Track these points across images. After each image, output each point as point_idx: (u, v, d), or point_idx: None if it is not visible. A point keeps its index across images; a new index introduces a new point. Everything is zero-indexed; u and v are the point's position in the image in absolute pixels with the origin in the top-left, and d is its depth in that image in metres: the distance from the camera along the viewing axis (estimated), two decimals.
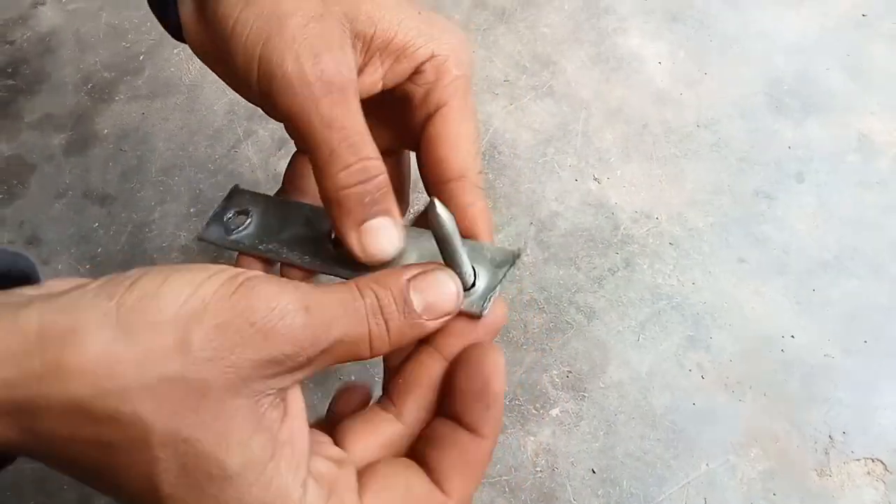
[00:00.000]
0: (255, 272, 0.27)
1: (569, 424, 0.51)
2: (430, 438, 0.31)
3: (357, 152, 0.33)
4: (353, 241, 0.33)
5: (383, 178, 0.33)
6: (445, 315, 0.30)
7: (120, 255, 0.59)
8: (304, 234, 0.39)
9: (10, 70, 0.69)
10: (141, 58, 0.69)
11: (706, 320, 0.55)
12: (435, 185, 0.37)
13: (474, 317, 0.32)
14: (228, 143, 0.64)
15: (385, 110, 0.37)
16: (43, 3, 0.73)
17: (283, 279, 0.28)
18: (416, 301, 0.29)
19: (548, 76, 0.68)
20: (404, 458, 0.30)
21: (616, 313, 0.55)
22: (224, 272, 0.26)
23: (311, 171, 0.36)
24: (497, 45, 0.69)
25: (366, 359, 0.29)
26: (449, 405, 0.31)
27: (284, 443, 0.26)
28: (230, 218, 0.39)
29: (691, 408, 0.51)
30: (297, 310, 0.26)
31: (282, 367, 0.26)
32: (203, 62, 0.38)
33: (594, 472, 0.49)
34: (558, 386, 0.53)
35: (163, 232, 0.60)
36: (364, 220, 0.33)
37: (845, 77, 0.66)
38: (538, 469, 0.49)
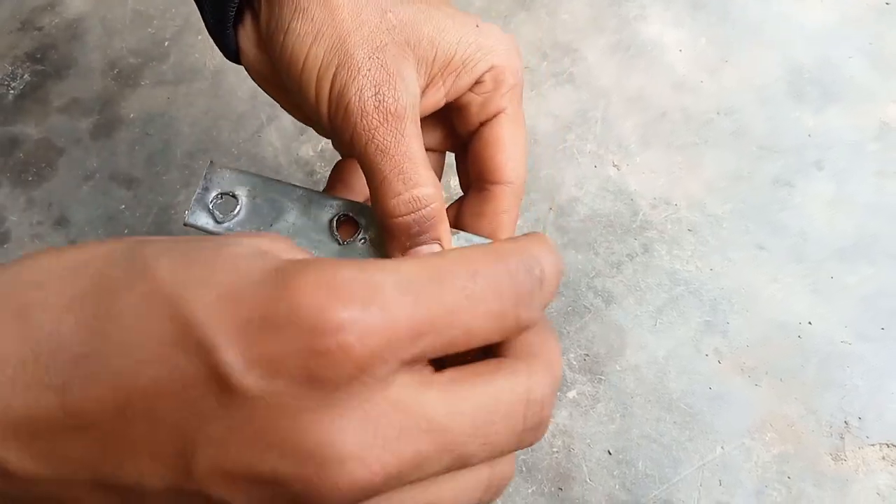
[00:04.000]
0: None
1: (585, 406, 0.52)
2: None
3: (407, 181, 0.34)
4: None
5: (434, 207, 0.35)
6: None
7: (145, 235, 0.60)
8: (303, 224, 0.38)
9: (38, 56, 0.70)
10: (166, 44, 0.70)
11: (723, 306, 0.55)
12: (480, 184, 0.39)
13: None
14: (252, 128, 0.65)
15: (439, 114, 0.39)
16: None
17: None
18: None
19: (568, 63, 0.68)
20: None
21: (634, 298, 0.56)
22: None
23: (359, 171, 0.38)
24: (518, 32, 0.70)
25: None
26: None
27: None
28: (216, 202, 0.38)
29: (707, 392, 0.52)
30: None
31: None
32: (260, 87, 0.40)
33: (610, 453, 0.50)
34: (575, 369, 0.53)
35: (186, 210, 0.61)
36: (410, 247, 0.35)
37: (867, 65, 0.66)
38: (555, 450, 0.50)
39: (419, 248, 0.35)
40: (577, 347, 0.54)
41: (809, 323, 0.54)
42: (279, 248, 0.25)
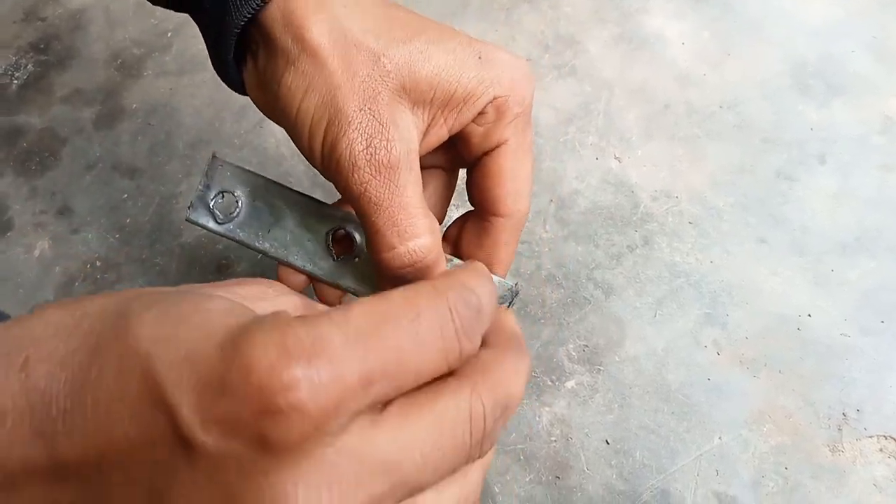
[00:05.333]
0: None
1: (584, 396, 0.52)
2: None
3: (402, 234, 0.34)
4: None
5: (430, 258, 0.35)
6: None
7: (147, 225, 0.60)
8: (300, 234, 0.37)
9: (41, 46, 0.70)
10: (169, 35, 0.70)
11: (723, 298, 0.55)
12: (480, 213, 0.38)
13: None
14: (254, 120, 0.65)
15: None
16: None
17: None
18: None
19: (570, 55, 0.68)
20: None
21: (633, 290, 0.56)
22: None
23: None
24: (520, 24, 0.70)
25: None
26: None
27: None
28: (216, 200, 0.37)
29: (706, 383, 0.52)
30: None
31: None
32: (268, 117, 0.39)
33: (608, 442, 0.50)
34: (574, 359, 0.53)
35: (188, 204, 0.61)
36: None
37: (870, 58, 0.66)
38: (553, 439, 0.50)
39: None
40: (577, 339, 0.54)
41: (809, 315, 0.54)
42: (261, 298, 0.27)
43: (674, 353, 0.53)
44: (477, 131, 0.37)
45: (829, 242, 0.57)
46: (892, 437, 0.49)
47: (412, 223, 0.34)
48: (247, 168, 0.38)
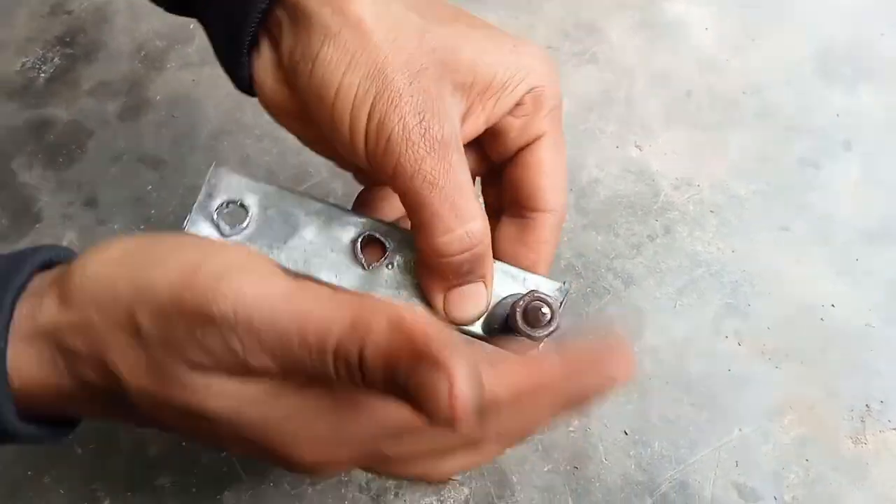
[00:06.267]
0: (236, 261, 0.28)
1: None
2: None
3: (460, 216, 0.32)
4: (438, 305, 0.33)
5: (484, 245, 0.33)
6: None
7: (172, 216, 0.61)
8: (322, 243, 0.34)
9: (67, 39, 0.71)
10: (191, 27, 0.71)
11: (745, 288, 0.55)
12: (519, 211, 0.37)
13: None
14: None
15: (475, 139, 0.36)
16: None
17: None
18: None
19: (591, 43, 0.67)
20: None
21: (654, 280, 0.56)
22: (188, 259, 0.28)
23: (386, 198, 0.37)
24: (541, 11, 0.69)
25: None
26: None
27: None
28: (221, 210, 0.34)
29: (726, 374, 0.52)
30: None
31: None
32: (276, 119, 0.38)
33: (626, 433, 0.50)
34: None
35: (185, 217, 0.62)
36: (455, 287, 0.33)
37: None
38: (571, 429, 0.50)
39: (462, 289, 0.33)
40: (597, 329, 0.54)
41: (833, 305, 0.54)
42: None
43: (694, 344, 0.53)
44: (514, 124, 0.36)
45: (853, 231, 0.56)
46: None
47: (468, 205, 0.32)
48: (253, 179, 0.35)
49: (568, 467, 0.49)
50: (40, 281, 0.30)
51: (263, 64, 0.36)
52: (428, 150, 0.31)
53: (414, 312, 0.25)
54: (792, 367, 0.51)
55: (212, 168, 0.35)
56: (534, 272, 0.36)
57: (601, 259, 0.57)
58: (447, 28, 0.33)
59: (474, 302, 0.34)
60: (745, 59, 0.65)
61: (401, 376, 0.24)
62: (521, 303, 0.33)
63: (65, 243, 0.61)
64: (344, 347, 0.25)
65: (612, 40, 0.67)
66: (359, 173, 0.42)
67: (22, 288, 0.29)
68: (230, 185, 0.34)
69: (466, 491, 0.49)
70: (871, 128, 0.61)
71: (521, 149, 0.36)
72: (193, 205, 0.34)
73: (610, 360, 0.29)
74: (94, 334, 0.28)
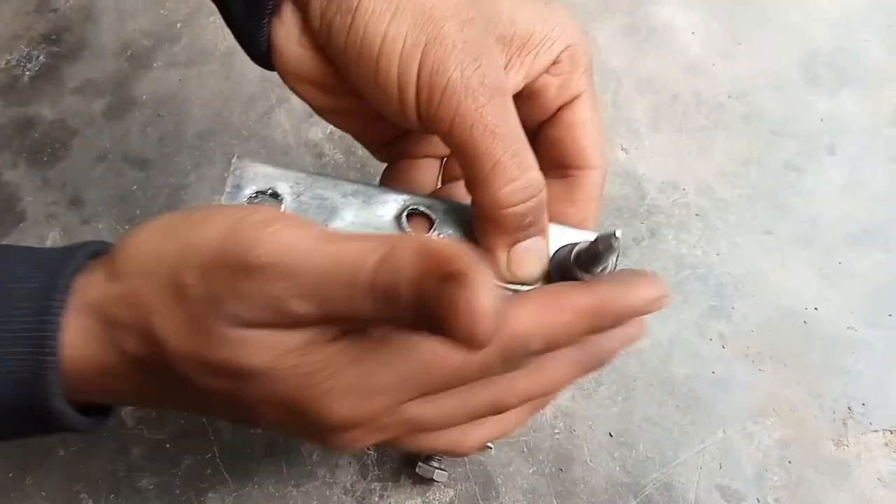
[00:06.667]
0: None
1: (588, 389, 0.52)
2: None
3: (521, 164, 0.31)
4: (501, 262, 0.32)
5: (545, 193, 0.32)
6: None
7: (157, 216, 0.61)
8: (364, 222, 0.33)
9: (53, 37, 0.71)
10: (178, 26, 0.70)
11: (729, 291, 0.55)
12: (563, 171, 0.36)
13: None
14: (262, 110, 0.65)
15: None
16: None
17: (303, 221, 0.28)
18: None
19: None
20: None
21: None
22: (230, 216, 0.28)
23: (417, 171, 0.36)
24: None
25: None
26: None
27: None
28: (252, 202, 0.33)
29: (710, 376, 0.52)
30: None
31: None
32: (297, 90, 0.36)
33: (611, 435, 0.50)
34: None
35: (198, 195, 0.62)
36: (518, 241, 0.32)
37: (884, 49, 0.65)
38: (556, 431, 0.50)
39: (525, 244, 0.32)
40: None
41: (816, 308, 0.54)
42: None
43: (679, 346, 0.53)
44: (553, 83, 0.35)
45: (837, 235, 0.57)
46: None
47: (528, 153, 0.31)
48: (278, 167, 0.34)
49: (552, 469, 0.49)
50: (92, 263, 0.31)
51: (286, 29, 0.34)
52: (488, 97, 0.30)
53: (438, 241, 0.25)
54: (775, 370, 0.52)
55: (234, 159, 0.33)
56: (586, 228, 0.35)
57: None
58: None
59: (538, 256, 0.33)
60: (731, 63, 0.66)
61: (429, 298, 0.24)
62: (578, 249, 0.32)
63: (48, 243, 0.60)
64: (377, 277, 0.25)
65: (598, 44, 0.67)
66: (381, 151, 0.41)
67: (77, 269, 0.30)
68: (258, 174, 0.33)
69: (451, 493, 0.49)
70: (855, 133, 0.61)
71: (560, 108, 0.36)
72: (220, 198, 0.33)
73: (640, 284, 0.30)
74: (140, 301, 0.28)
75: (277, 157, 0.63)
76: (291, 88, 0.37)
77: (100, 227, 0.61)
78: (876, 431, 0.49)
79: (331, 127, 0.64)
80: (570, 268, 0.31)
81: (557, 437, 0.50)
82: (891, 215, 0.57)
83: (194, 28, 0.70)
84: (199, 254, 0.27)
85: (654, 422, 0.50)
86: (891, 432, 0.49)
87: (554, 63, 0.35)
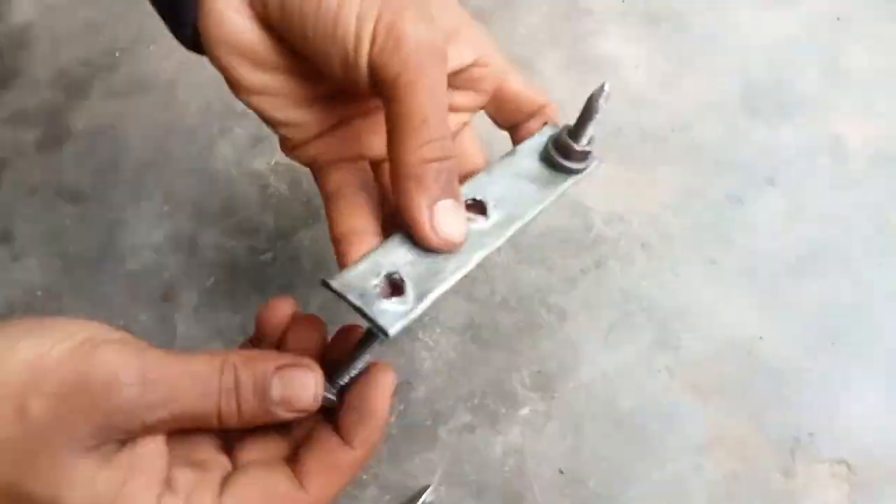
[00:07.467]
0: (108, 335, 0.29)
1: (538, 425, 0.51)
2: (307, 439, 0.33)
3: (443, 128, 0.33)
4: (425, 220, 0.33)
5: (456, 160, 0.34)
6: (301, 411, 0.31)
7: (91, 252, 0.59)
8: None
9: None
10: (117, 54, 0.69)
11: (675, 323, 0.55)
12: (520, 122, 0.44)
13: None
14: (203, 142, 0.64)
15: None
16: None
17: (135, 345, 0.29)
18: (275, 391, 0.30)
19: (525, 78, 0.68)
20: (275, 459, 0.32)
21: (587, 315, 0.56)
22: (73, 337, 0.28)
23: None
24: None
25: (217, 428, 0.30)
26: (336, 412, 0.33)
27: (136, 468, 0.28)
28: (378, 287, 0.32)
29: (658, 409, 0.52)
30: (133, 383, 0.28)
31: (118, 430, 0.28)
32: (222, 62, 0.35)
33: (562, 472, 0.49)
34: (528, 386, 0.53)
35: (135, 230, 0.60)
36: (438, 200, 0.33)
37: (820, 79, 0.67)
38: (506, 469, 0.50)
39: (445, 202, 0.33)
40: (530, 365, 0.54)
41: (761, 338, 0.54)
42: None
43: (626, 379, 0.53)
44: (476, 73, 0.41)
45: (779, 264, 0.58)
46: (844, 461, 0.49)
47: (448, 122, 0.34)
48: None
49: None
50: None
51: (220, 4, 0.33)
52: (435, 60, 0.32)
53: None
54: (722, 402, 0.52)
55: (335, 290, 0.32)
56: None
57: (535, 294, 0.57)
58: None
59: (459, 216, 0.34)
60: (674, 96, 0.67)
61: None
62: (563, 127, 0.42)
63: None
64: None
65: (544, 75, 0.68)
66: (295, 147, 0.39)
67: None
68: (379, 263, 0.33)
69: None
70: (794, 162, 0.62)
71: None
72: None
73: (378, 398, 0.33)
74: None
75: (222, 189, 0.62)
76: (217, 62, 0.35)
77: (31, 263, 0.58)
78: (823, 462, 0.50)
79: (275, 158, 0.63)
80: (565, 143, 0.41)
81: (507, 475, 0.49)
82: (830, 244, 0.58)
83: (134, 57, 0.68)
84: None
85: (604, 457, 0.50)
86: (838, 462, 0.49)
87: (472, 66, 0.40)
